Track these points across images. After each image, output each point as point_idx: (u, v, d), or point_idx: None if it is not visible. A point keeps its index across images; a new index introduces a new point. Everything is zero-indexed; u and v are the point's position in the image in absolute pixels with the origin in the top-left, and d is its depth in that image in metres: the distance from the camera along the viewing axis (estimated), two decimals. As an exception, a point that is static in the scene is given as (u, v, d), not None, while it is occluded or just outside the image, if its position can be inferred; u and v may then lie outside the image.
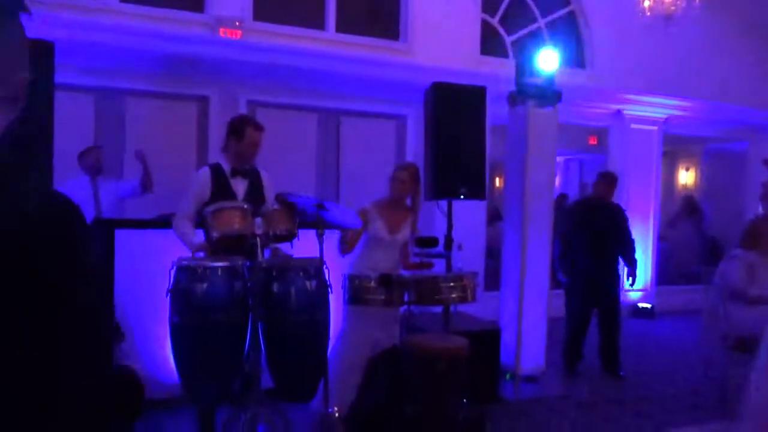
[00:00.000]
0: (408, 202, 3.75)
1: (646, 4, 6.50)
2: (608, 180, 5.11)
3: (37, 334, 0.79)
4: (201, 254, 3.16)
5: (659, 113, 7.84)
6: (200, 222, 3.25)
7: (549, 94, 4.62)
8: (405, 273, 3.54)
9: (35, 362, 0.79)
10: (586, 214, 4.98)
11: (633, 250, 5.02)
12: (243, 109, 5.82)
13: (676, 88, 7.75)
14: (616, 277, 5.02)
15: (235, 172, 3.39)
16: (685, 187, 10.74)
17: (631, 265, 5.01)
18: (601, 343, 5.03)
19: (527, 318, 4.54)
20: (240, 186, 3.40)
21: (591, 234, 4.87)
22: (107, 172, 4.97)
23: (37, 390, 0.79)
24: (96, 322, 0.90)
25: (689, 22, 7.83)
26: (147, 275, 3.55)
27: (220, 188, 3.32)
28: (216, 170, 3.37)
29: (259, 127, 3.44)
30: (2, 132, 0.90)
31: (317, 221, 3.02)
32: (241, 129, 3.39)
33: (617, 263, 5.02)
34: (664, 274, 8.50)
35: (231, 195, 3.33)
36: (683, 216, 9.30)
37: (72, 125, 4.81)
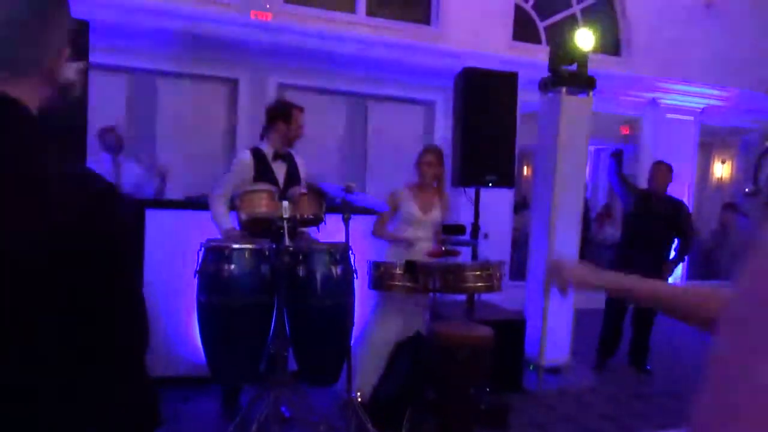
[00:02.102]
0: (435, 184, 3.80)
1: (687, -11, 6.27)
2: (668, 170, 4.90)
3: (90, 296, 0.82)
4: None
5: (696, 103, 7.61)
6: (232, 205, 3.29)
7: (583, 80, 4.50)
8: (431, 260, 3.52)
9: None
10: (647, 205, 4.79)
11: (690, 248, 4.93)
12: (272, 92, 5.83)
13: (715, 77, 7.51)
14: (667, 274, 4.85)
15: (275, 156, 3.45)
16: (720, 180, 10.44)
17: (681, 261, 4.93)
18: (633, 337, 4.93)
19: (553, 309, 4.49)
20: (280, 169, 3.48)
21: (649, 227, 4.72)
22: (138, 152, 5.04)
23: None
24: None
25: (729, 9, 7.56)
26: (176, 254, 3.60)
27: (262, 171, 3.39)
28: (257, 154, 3.43)
29: (301, 109, 3.58)
30: (40, 106, 0.91)
31: (344, 206, 3.01)
32: (288, 112, 3.50)
33: (668, 259, 4.86)
34: (694, 269, 8.31)
35: (273, 178, 3.40)
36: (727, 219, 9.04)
37: (104, 105, 4.88)
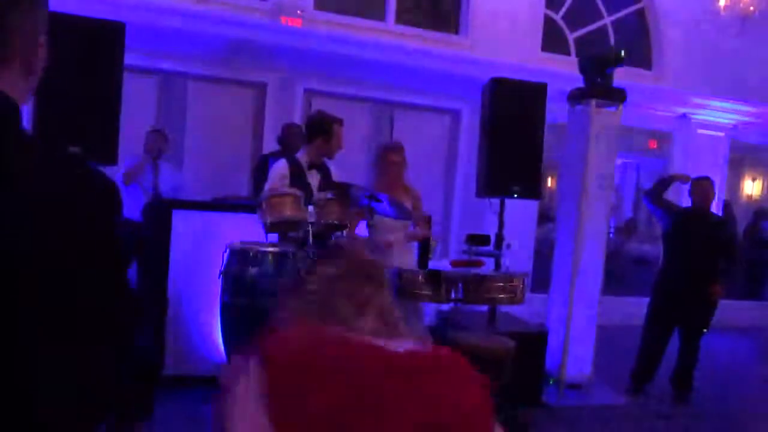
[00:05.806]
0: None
1: (722, 3, 6.17)
2: (710, 186, 4.58)
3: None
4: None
5: (728, 119, 7.47)
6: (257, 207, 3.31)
7: (613, 93, 4.45)
8: (453, 270, 3.50)
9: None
10: (689, 224, 4.51)
11: (736, 268, 4.73)
12: (299, 98, 5.88)
13: (748, 93, 7.36)
14: (714, 297, 4.47)
15: (311, 166, 3.47)
16: (750, 197, 10.22)
17: (726, 279, 4.59)
18: (680, 359, 4.60)
19: (576, 323, 4.42)
20: (315, 179, 3.50)
21: (691, 248, 4.44)
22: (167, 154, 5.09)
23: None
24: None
25: (763, 25, 7.42)
26: (201, 255, 3.63)
27: (297, 180, 3.41)
28: (293, 162, 3.45)
29: (341, 122, 3.55)
30: (24, 101, 0.89)
31: (368, 212, 3.02)
32: (328, 127, 3.48)
33: (716, 281, 4.45)
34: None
35: (307, 187, 3.41)
36: None
37: (134, 107, 4.96)
